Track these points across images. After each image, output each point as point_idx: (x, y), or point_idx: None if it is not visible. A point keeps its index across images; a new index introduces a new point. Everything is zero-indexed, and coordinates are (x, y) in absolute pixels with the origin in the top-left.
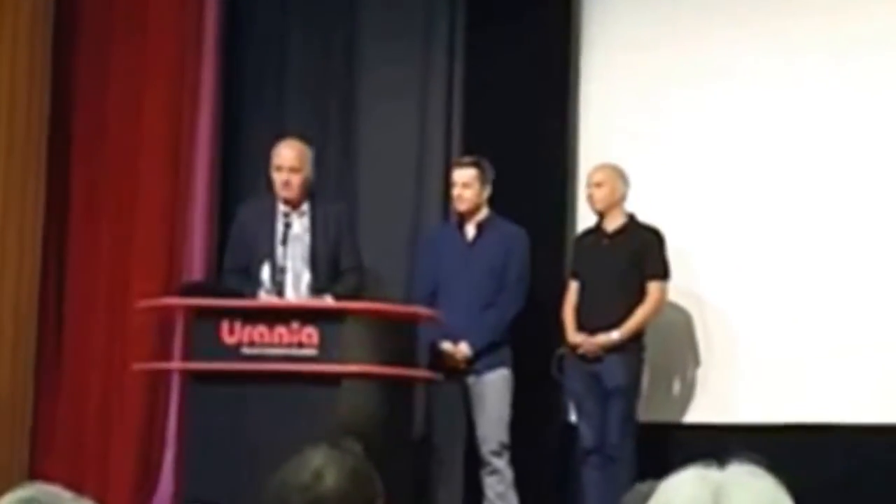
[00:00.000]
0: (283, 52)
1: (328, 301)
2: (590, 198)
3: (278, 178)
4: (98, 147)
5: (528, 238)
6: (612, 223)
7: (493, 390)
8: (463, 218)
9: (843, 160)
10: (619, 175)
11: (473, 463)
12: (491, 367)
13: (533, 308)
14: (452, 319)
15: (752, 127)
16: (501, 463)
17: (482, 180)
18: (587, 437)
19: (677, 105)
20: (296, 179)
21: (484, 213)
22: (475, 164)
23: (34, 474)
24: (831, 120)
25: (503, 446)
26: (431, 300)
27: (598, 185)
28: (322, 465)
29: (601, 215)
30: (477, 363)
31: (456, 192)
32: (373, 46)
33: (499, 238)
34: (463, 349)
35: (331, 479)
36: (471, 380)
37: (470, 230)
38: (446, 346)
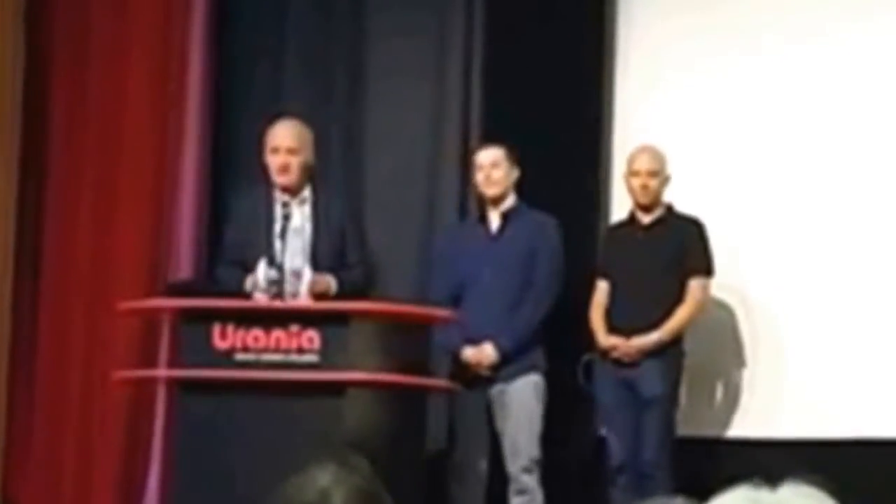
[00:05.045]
0: (282, 24)
1: (331, 284)
2: (643, 188)
3: (274, 161)
4: (76, 130)
5: (561, 228)
6: (649, 215)
7: (522, 399)
8: (486, 207)
9: None
10: (665, 161)
11: (499, 482)
12: (519, 373)
13: (562, 309)
14: (476, 322)
15: (812, 103)
16: (531, 481)
17: (510, 160)
18: (617, 453)
19: (725, 80)
20: (294, 162)
21: (511, 200)
22: (499, 144)
23: (7, 495)
24: None
25: (534, 462)
26: (454, 305)
27: (653, 173)
28: (328, 485)
29: (645, 208)
30: (503, 369)
31: (483, 174)
32: (382, 17)
33: (527, 229)
34: (488, 352)
35: (338, 501)
36: (497, 388)
37: (494, 221)
38: (468, 352)
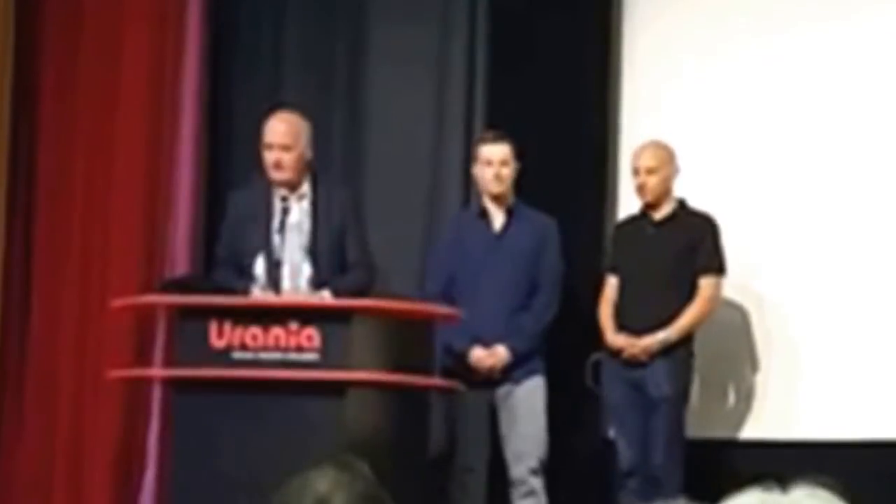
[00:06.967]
0: (281, 10)
1: (327, 298)
2: (641, 187)
3: (268, 157)
4: (68, 122)
5: (559, 229)
6: (660, 210)
7: (528, 401)
8: (486, 201)
9: None
10: (671, 156)
11: (500, 485)
12: (524, 376)
13: (567, 307)
14: (479, 322)
15: (829, 97)
16: (538, 483)
17: (515, 157)
18: (626, 455)
19: (735, 72)
20: (287, 159)
21: (511, 198)
22: (507, 139)
23: None
24: None
25: (541, 464)
26: (445, 297)
27: (651, 171)
28: (328, 490)
29: (649, 205)
30: (508, 372)
31: (492, 171)
32: (384, 3)
33: (530, 228)
34: (501, 355)
35: None
36: (502, 391)
37: (498, 219)
38: (478, 352)
